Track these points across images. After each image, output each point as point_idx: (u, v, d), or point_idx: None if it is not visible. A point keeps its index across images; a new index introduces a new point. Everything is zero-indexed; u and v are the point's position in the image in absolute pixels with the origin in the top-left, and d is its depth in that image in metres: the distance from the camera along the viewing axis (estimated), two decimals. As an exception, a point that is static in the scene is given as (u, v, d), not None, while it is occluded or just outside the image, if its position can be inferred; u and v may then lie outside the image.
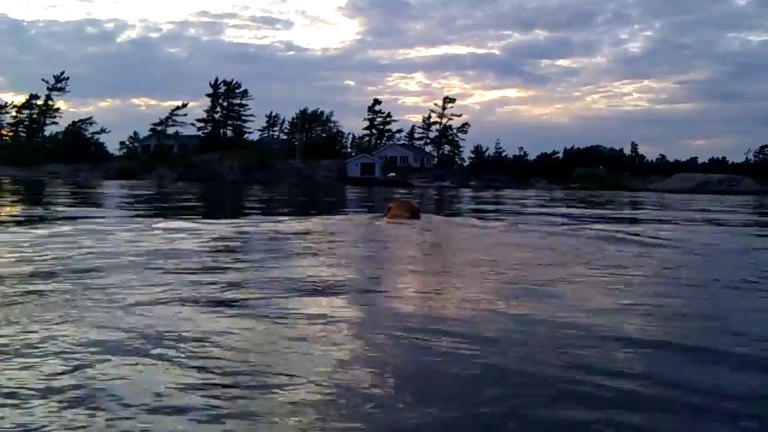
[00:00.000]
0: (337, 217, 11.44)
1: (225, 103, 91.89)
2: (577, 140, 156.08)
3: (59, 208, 12.68)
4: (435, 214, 12.44)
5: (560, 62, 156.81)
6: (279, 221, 9.36)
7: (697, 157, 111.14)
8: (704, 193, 56.32)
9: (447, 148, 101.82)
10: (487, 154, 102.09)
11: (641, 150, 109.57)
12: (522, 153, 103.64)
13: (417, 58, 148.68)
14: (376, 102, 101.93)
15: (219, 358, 2.31)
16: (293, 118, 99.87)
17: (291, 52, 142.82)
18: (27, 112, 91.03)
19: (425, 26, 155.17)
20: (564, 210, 18.07)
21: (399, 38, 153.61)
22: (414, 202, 10.01)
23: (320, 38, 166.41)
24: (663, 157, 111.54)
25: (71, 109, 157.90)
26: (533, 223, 11.52)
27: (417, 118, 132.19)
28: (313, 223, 9.21)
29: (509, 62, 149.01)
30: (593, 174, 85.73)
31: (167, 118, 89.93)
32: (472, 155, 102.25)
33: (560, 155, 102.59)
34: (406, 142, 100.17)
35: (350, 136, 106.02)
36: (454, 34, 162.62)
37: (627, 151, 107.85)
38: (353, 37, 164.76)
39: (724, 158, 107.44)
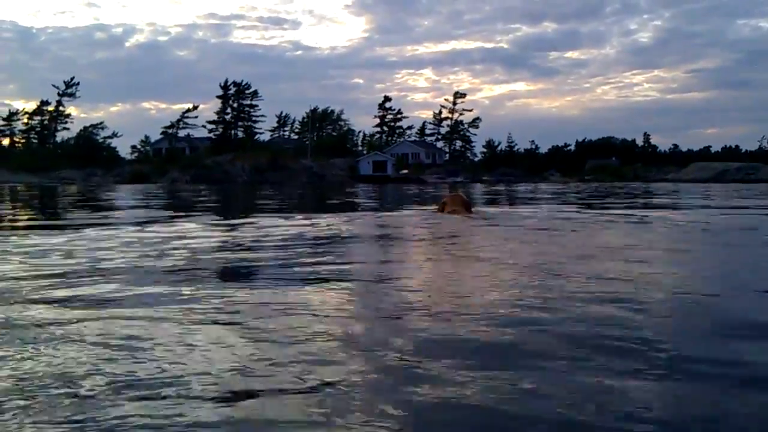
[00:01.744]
0: (400, 212, 11.72)
1: (235, 104, 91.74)
2: (589, 132, 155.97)
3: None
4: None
5: (569, 54, 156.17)
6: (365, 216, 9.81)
7: (710, 146, 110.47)
8: (723, 182, 55.57)
9: (458, 143, 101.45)
10: (499, 148, 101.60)
11: (653, 140, 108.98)
12: (533, 146, 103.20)
13: (425, 54, 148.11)
14: (387, 99, 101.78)
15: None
16: (303, 118, 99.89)
17: (299, 52, 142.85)
18: (38, 118, 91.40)
19: (432, 22, 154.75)
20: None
21: (406, 35, 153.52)
22: (464, 195, 10.02)
23: (328, 37, 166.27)
24: (676, 146, 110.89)
25: (82, 115, 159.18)
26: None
27: (426, 115, 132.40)
28: (392, 218, 9.72)
29: (518, 56, 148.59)
30: (607, 165, 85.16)
31: (178, 121, 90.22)
32: (484, 150, 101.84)
33: (572, 147, 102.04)
34: (417, 139, 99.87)
35: (361, 134, 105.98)
36: (462, 29, 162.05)
37: (639, 141, 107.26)
38: (361, 35, 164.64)
39: (737, 146, 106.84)
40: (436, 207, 9.99)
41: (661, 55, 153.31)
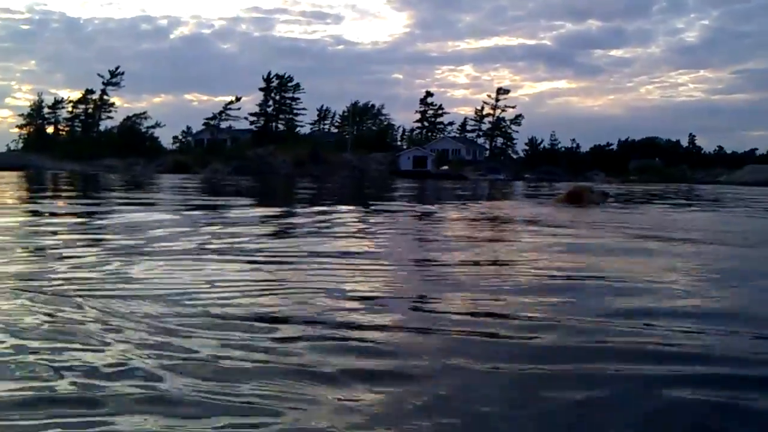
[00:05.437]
0: (509, 203, 13.02)
1: (277, 97, 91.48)
2: (631, 132, 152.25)
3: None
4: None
5: (613, 52, 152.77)
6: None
7: (756, 149, 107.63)
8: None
9: (499, 140, 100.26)
10: (541, 146, 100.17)
11: (698, 141, 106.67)
12: (574, 145, 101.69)
13: (466, 51, 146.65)
14: (428, 94, 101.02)
15: None
16: (344, 112, 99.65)
17: (340, 47, 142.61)
18: (83, 107, 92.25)
19: (475, 18, 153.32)
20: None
21: (448, 30, 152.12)
22: (583, 188, 10.55)
23: (369, 32, 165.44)
24: (721, 148, 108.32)
25: (126, 105, 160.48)
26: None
27: (465, 111, 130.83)
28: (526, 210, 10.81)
29: (561, 53, 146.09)
30: (652, 166, 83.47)
31: (221, 113, 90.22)
32: (526, 147, 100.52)
33: (615, 147, 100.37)
34: (458, 135, 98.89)
35: (400, 129, 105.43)
36: (505, 25, 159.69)
37: (684, 142, 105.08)
38: (402, 30, 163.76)
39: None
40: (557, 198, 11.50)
41: (707, 55, 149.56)
